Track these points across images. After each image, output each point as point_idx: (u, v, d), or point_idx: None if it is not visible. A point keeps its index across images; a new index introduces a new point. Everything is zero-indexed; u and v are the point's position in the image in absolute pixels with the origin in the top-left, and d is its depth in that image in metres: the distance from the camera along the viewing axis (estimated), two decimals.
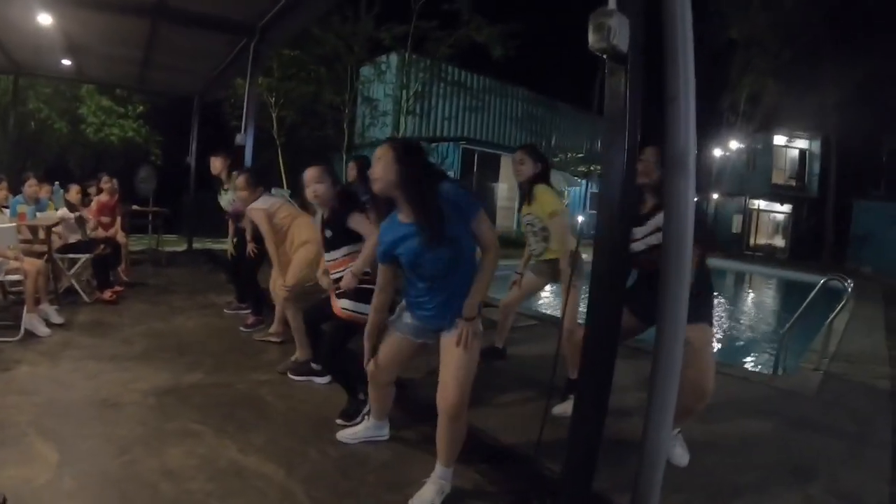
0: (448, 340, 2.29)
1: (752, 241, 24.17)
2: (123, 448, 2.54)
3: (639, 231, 2.67)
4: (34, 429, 2.66)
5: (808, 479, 2.79)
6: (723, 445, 3.11)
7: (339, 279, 3.08)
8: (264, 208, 4.25)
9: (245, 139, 6.26)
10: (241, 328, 4.93)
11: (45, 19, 6.04)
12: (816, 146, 22.29)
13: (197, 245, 10.37)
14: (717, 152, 22.42)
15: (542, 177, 3.83)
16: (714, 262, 2.15)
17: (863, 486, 2.79)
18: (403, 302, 2.48)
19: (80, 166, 12.65)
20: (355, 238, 3.05)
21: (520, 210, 4.02)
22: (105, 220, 6.39)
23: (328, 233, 3.13)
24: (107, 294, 5.42)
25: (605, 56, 1.82)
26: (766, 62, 19.35)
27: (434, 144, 16.53)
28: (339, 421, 3.03)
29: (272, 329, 4.58)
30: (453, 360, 2.25)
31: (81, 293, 5.38)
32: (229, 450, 2.63)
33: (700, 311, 2.51)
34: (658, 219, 2.53)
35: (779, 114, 20.64)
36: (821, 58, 19.21)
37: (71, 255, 5.49)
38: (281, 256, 4.24)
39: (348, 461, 2.64)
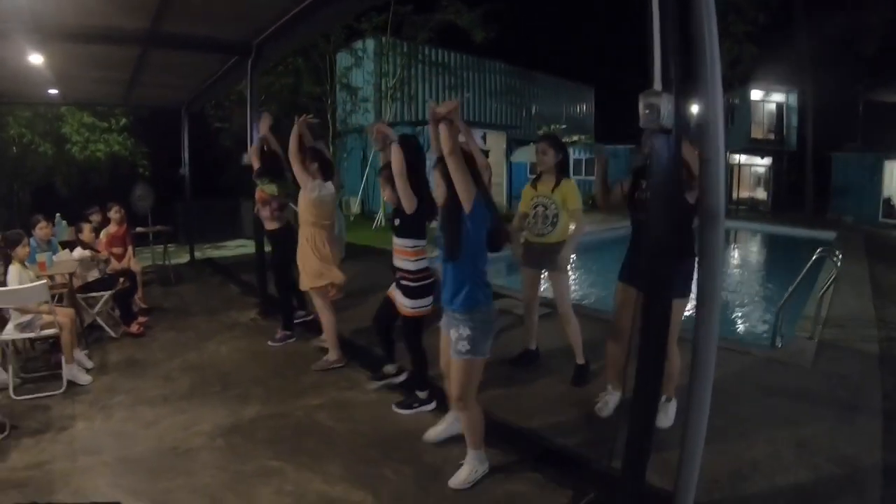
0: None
1: (734, 195, 24.61)
2: (215, 497, 2.75)
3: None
4: (122, 490, 2.79)
5: (813, 451, 3.17)
6: (735, 423, 3.46)
7: (399, 269, 3.68)
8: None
9: (249, 158, 6.33)
10: (269, 342, 5.22)
11: (36, 59, 6.02)
12: (793, 99, 22.63)
13: (198, 254, 10.50)
14: (696, 110, 22.57)
15: (564, 165, 4.24)
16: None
17: (860, 453, 3.16)
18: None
19: (66, 185, 12.53)
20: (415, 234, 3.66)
21: (532, 187, 4.37)
22: (117, 250, 6.50)
23: (397, 221, 3.67)
24: (134, 327, 5.56)
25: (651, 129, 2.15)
26: (744, 28, 19.39)
27: (419, 128, 16.52)
28: (394, 408, 3.75)
29: (332, 357, 4.63)
30: (451, 367, 2.82)
31: (107, 329, 5.47)
32: (314, 482, 2.86)
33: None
34: None
35: (755, 70, 20.81)
36: (795, 13, 19.35)
37: (93, 294, 5.53)
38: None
39: (425, 477, 2.93)
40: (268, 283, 6.24)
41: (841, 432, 3.41)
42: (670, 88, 2.06)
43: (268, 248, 5.73)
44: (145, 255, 9.46)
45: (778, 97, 23.10)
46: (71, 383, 4.20)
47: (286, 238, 5.08)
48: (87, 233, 6.09)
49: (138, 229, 8.30)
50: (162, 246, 8.99)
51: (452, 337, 2.75)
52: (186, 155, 10.43)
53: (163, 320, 6.12)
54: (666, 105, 2.05)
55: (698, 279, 2.32)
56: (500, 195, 20.08)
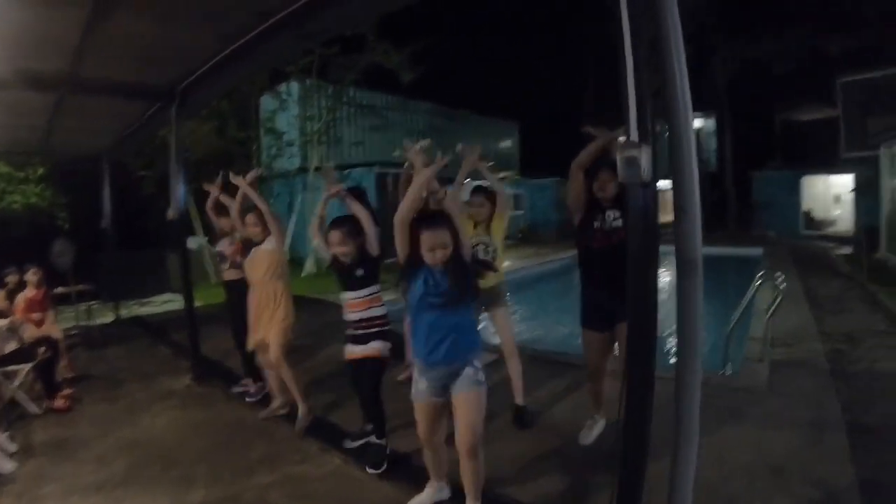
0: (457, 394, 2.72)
1: (659, 220, 25.65)
2: None
3: (611, 214, 3.52)
4: None
5: (786, 475, 3.15)
6: (706, 453, 3.38)
7: (359, 319, 3.56)
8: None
9: (175, 212, 6.00)
10: (248, 399, 5.03)
11: None
12: (711, 124, 24.04)
13: (124, 311, 9.83)
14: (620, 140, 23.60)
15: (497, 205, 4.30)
16: None
17: (833, 472, 3.17)
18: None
19: None
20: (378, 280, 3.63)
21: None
22: (35, 316, 5.91)
23: (359, 272, 3.53)
24: (59, 402, 5.01)
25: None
26: None
27: (347, 171, 16.13)
28: (368, 469, 3.47)
29: (276, 404, 4.53)
30: (463, 407, 2.70)
31: (29, 406, 4.91)
32: None
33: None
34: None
35: None
36: (708, 41, 20.67)
37: (11, 368, 4.95)
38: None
39: None
40: (200, 343, 5.92)
41: (811, 452, 3.44)
42: (647, 138, 1.99)
43: (200, 303, 5.36)
44: (68, 313, 8.66)
45: (696, 122, 24.46)
46: None
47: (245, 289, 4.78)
48: (0, 299, 5.49)
49: (58, 290, 7.62)
50: (85, 304, 8.30)
51: (463, 375, 2.70)
52: (108, 206, 9.81)
53: (92, 390, 5.55)
54: (645, 157, 1.98)
55: (678, 325, 2.25)
56: None
